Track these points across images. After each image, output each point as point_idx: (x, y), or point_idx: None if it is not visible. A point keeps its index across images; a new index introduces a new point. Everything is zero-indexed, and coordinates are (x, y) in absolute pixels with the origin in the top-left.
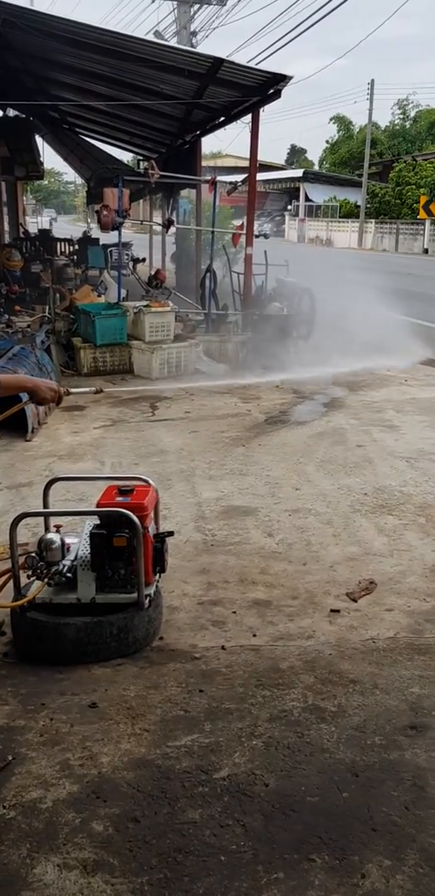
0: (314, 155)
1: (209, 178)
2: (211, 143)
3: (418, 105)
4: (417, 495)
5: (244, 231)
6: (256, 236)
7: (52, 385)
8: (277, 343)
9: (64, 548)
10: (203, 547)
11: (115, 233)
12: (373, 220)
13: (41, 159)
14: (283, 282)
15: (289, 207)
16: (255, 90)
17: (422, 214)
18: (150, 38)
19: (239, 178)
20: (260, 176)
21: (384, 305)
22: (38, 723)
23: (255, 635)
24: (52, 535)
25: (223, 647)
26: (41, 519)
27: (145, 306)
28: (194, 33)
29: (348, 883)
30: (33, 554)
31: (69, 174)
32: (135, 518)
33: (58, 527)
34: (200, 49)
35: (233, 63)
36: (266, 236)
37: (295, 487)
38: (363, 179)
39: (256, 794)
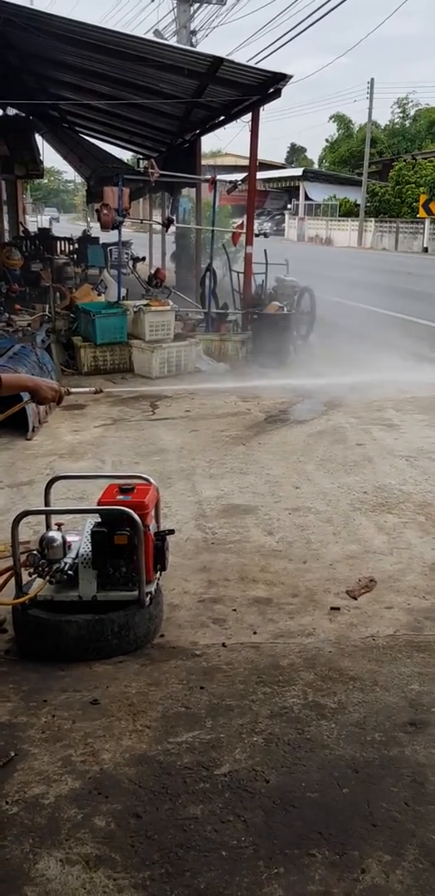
0: (314, 154)
1: (209, 177)
2: (210, 142)
3: (418, 104)
4: (417, 494)
5: (244, 230)
6: (256, 235)
7: (52, 385)
8: (278, 342)
9: (65, 546)
10: (203, 545)
11: (114, 231)
12: (372, 219)
13: (41, 158)
14: (282, 280)
15: (288, 206)
16: (255, 89)
17: (421, 213)
18: (150, 37)
19: (239, 176)
20: (260, 175)
21: (383, 306)
22: (40, 719)
23: (255, 633)
24: (53, 533)
25: (224, 645)
26: (42, 517)
27: (145, 305)
28: (194, 32)
29: (348, 878)
30: (35, 552)
31: (69, 173)
32: (136, 516)
33: (59, 525)
34: (200, 48)
35: (233, 62)
36: (266, 235)
37: (295, 486)
38: (363, 178)
39: (256, 789)
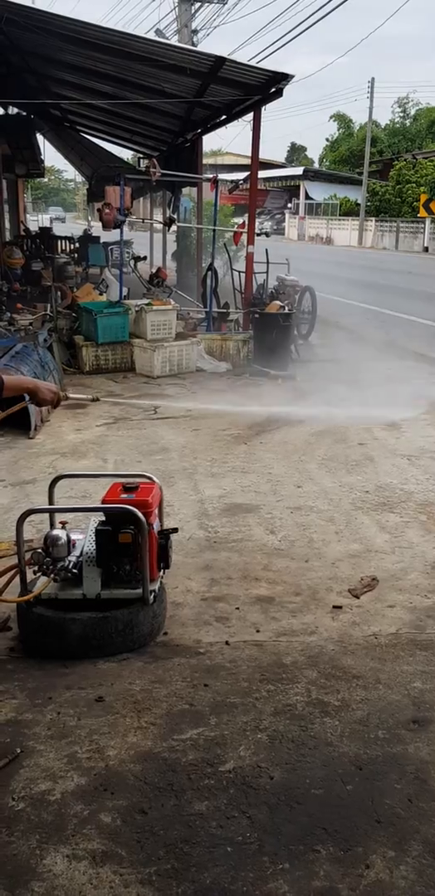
0: (314, 153)
1: (211, 176)
2: (211, 141)
3: (419, 103)
4: (419, 493)
5: (245, 229)
6: (258, 234)
7: (51, 387)
8: (279, 342)
9: (70, 544)
10: (206, 544)
11: (115, 230)
12: (373, 219)
13: (42, 157)
14: (283, 280)
15: (289, 205)
16: (256, 89)
17: (422, 213)
18: (152, 36)
19: (240, 176)
20: (260, 174)
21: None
22: (46, 716)
23: (258, 631)
24: (58, 532)
25: (227, 643)
26: (44, 515)
27: (147, 304)
28: (195, 31)
29: (353, 873)
30: (39, 550)
31: (69, 172)
32: (140, 515)
33: (63, 523)
34: (201, 47)
35: (235, 62)
36: (268, 234)
37: (297, 485)
38: (363, 177)
39: (261, 786)
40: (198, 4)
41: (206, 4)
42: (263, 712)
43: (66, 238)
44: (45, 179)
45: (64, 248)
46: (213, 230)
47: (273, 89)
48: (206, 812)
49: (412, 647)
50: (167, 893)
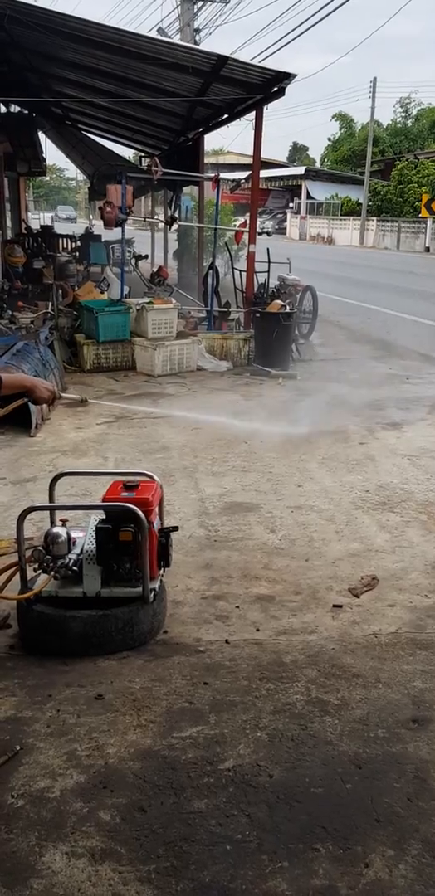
0: (316, 152)
1: (212, 175)
2: (212, 140)
3: (420, 103)
4: (419, 493)
5: (247, 228)
6: (259, 233)
7: (48, 385)
8: (280, 341)
9: (70, 542)
10: (206, 542)
11: (116, 229)
12: (374, 218)
13: (43, 155)
14: (285, 279)
15: (291, 205)
16: (258, 88)
17: (423, 213)
18: (154, 34)
19: (242, 175)
20: (262, 173)
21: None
22: (45, 714)
23: (258, 629)
24: (58, 529)
25: (227, 641)
26: (44, 513)
27: (148, 303)
28: (198, 30)
29: (352, 872)
30: (40, 547)
31: (70, 170)
32: (140, 513)
33: (63, 521)
34: (203, 46)
35: (237, 61)
36: (269, 234)
37: (297, 484)
38: (365, 177)
39: (260, 784)
40: (200, 3)
41: (209, 3)
42: (263, 711)
43: (67, 236)
44: (47, 178)
45: (65, 246)
46: (215, 229)
47: (275, 88)
48: (206, 810)
49: (412, 647)
50: (166, 891)
